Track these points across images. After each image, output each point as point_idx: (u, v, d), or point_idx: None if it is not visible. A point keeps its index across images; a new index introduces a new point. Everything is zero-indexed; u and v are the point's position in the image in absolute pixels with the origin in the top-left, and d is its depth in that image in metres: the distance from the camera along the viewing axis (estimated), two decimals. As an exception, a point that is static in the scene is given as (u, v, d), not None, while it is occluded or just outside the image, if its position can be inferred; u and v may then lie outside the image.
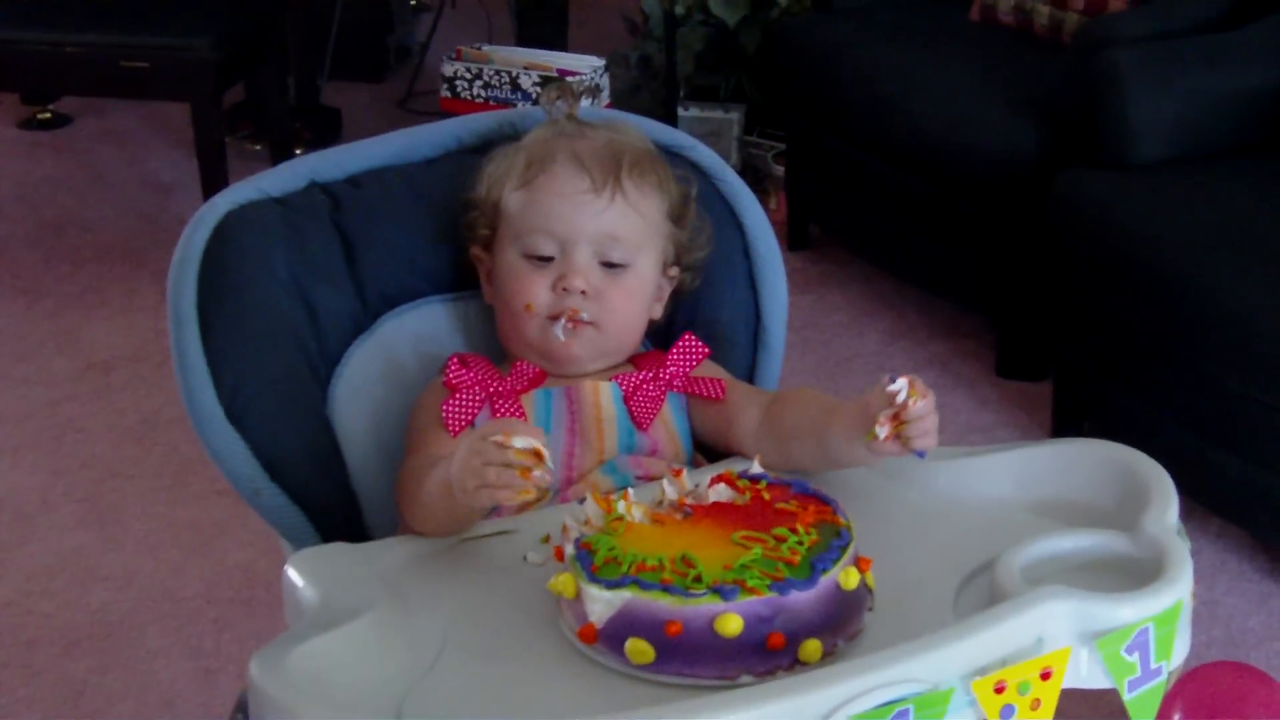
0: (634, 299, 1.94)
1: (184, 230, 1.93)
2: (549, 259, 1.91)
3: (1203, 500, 3.18)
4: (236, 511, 3.34)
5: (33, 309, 4.33)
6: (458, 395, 1.87)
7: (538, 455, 1.57)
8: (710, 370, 1.97)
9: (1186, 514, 1.65)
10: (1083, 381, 3.51)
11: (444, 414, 1.86)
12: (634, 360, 1.98)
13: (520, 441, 1.57)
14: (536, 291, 1.91)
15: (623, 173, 1.92)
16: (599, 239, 1.91)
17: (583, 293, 1.89)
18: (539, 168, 1.93)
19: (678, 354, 1.95)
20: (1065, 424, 3.56)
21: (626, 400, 1.91)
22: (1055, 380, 3.64)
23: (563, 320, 1.89)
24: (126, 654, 2.99)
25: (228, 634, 3.04)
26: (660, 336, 2.05)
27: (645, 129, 2.08)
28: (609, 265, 1.92)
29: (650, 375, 1.92)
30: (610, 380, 1.92)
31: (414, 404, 1.94)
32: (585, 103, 2.04)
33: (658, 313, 2.01)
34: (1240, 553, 3.23)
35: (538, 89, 4.50)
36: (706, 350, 1.96)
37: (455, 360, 1.91)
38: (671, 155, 2.08)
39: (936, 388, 3.81)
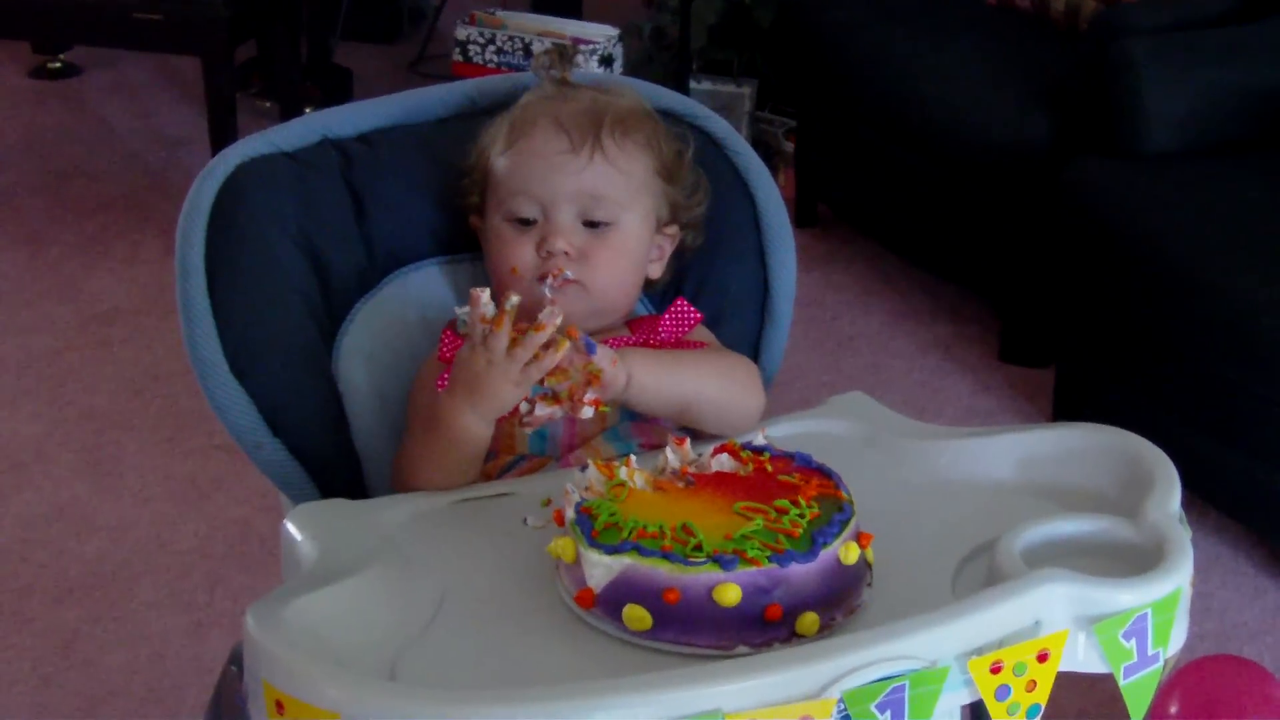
0: (620, 257, 1.92)
1: (194, 181, 1.92)
2: (532, 221, 1.90)
3: (1200, 493, 3.18)
4: (233, 467, 3.34)
5: (36, 258, 4.33)
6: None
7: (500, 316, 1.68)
8: (703, 336, 1.97)
9: (1184, 506, 1.65)
10: (1085, 369, 3.51)
11: (440, 389, 1.85)
12: (630, 325, 1.98)
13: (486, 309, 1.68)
14: (521, 254, 1.89)
15: (603, 131, 1.90)
16: (579, 198, 1.89)
17: (566, 253, 1.88)
18: (519, 131, 1.92)
19: (670, 319, 1.94)
20: (1066, 411, 3.55)
21: None
22: (1057, 367, 3.64)
23: (549, 279, 1.88)
24: (118, 605, 3.00)
25: (220, 589, 3.04)
26: (665, 299, 2.04)
27: (656, 96, 2.07)
28: (593, 224, 1.90)
29: (642, 340, 1.91)
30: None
31: (414, 379, 1.94)
32: (599, 70, 2.03)
33: (656, 272, 2.00)
34: (1236, 546, 3.23)
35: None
36: (699, 315, 1.95)
37: (449, 332, 1.90)
38: (684, 124, 2.07)
39: (939, 370, 3.88)
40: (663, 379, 1.80)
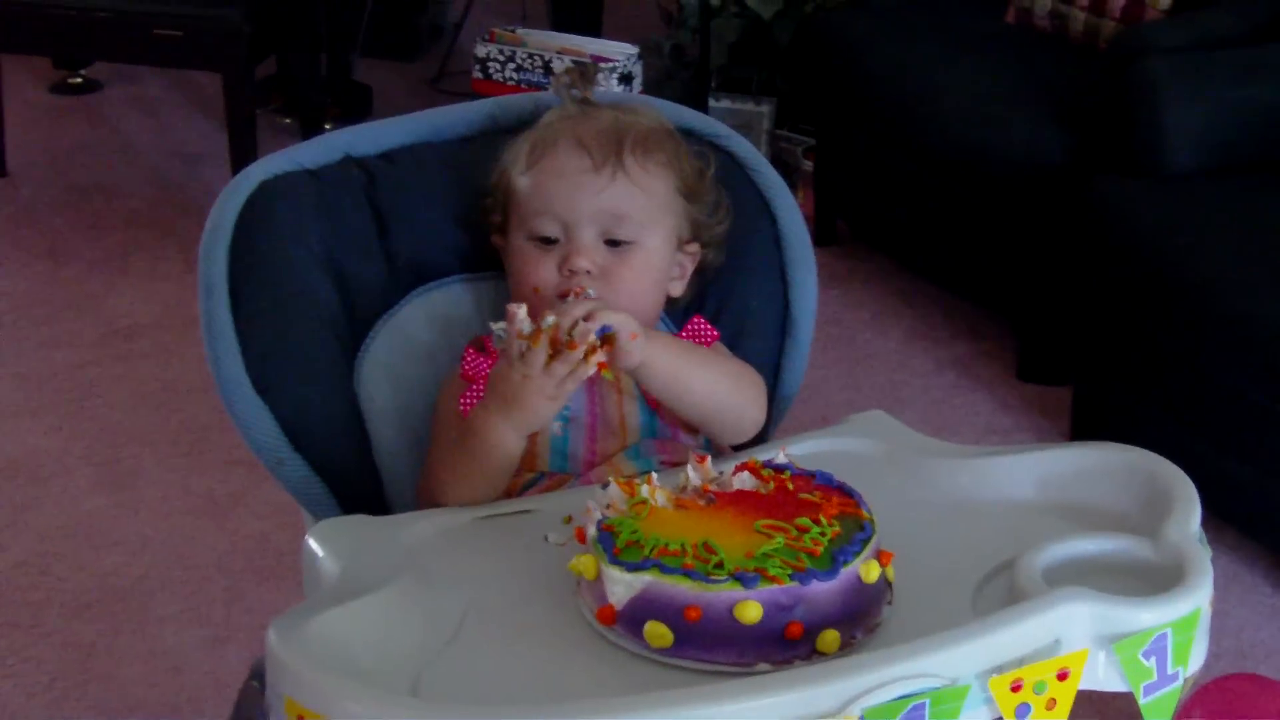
0: (642, 277, 1.92)
1: (217, 199, 1.93)
2: (554, 240, 1.90)
3: (1218, 511, 3.16)
4: (251, 482, 3.35)
5: (57, 273, 4.34)
6: (475, 386, 1.87)
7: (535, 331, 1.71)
8: (719, 353, 1.97)
9: (1202, 524, 1.65)
10: (1104, 388, 3.51)
11: (463, 408, 1.86)
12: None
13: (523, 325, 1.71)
14: (543, 274, 1.89)
15: (625, 150, 1.90)
16: (601, 217, 1.89)
17: (588, 272, 1.89)
18: (541, 150, 1.92)
19: (687, 337, 1.95)
20: (1084, 430, 3.55)
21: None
22: (1076, 386, 3.64)
23: (570, 298, 1.88)
24: (136, 619, 3.00)
25: (238, 604, 3.05)
26: (686, 318, 2.04)
27: (677, 115, 2.08)
28: (614, 243, 1.90)
29: None
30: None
31: (437, 396, 1.94)
32: (619, 88, 2.03)
33: (678, 291, 2.00)
34: (1254, 565, 3.23)
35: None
36: (715, 333, 1.96)
37: (471, 350, 1.91)
38: (705, 143, 2.08)
39: (957, 388, 3.87)
40: (677, 366, 1.83)
